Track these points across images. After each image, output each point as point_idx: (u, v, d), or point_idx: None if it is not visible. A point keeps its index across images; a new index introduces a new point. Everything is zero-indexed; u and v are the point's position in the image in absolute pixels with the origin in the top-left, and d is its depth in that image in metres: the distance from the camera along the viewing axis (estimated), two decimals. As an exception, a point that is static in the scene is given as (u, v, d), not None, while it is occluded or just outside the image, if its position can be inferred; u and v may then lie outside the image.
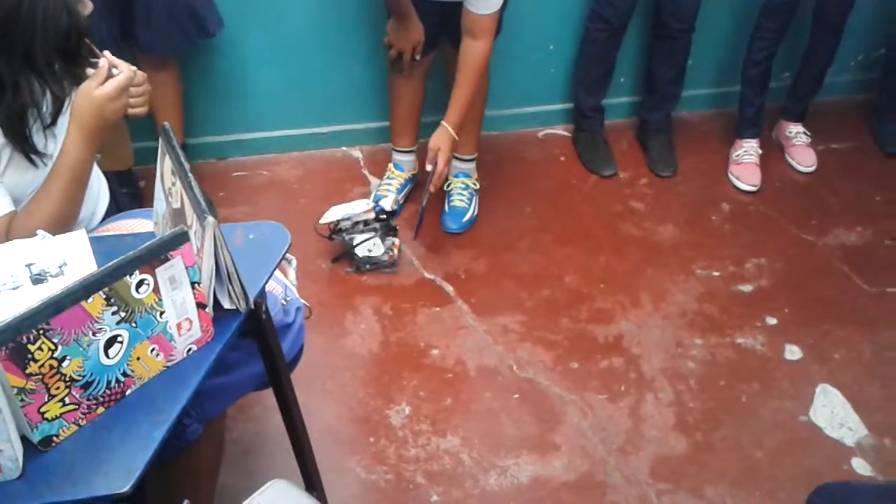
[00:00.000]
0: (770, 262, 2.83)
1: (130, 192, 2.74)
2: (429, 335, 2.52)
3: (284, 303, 1.72)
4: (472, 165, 2.95)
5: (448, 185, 2.92)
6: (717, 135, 3.36)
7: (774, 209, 3.05)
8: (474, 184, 2.94)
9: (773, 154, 3.25)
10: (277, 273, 1.76)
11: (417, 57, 2.66)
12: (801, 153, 3.25)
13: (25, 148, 1.61)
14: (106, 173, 1.95)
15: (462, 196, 2.90)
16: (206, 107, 3.01)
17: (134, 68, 1.61)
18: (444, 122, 2.54)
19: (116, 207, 1.95)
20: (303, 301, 1.81)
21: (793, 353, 2.53)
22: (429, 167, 2.55)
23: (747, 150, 3.17)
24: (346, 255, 2.69)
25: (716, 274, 2.78)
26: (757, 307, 2.66)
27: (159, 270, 1.24)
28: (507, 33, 2.77)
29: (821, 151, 3.27)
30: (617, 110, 3.36)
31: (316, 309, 2.51)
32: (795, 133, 3.28)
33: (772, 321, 2.62)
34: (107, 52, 1.59)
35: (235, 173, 3.07)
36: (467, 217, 2.88)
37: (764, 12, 2.99)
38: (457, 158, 2.91)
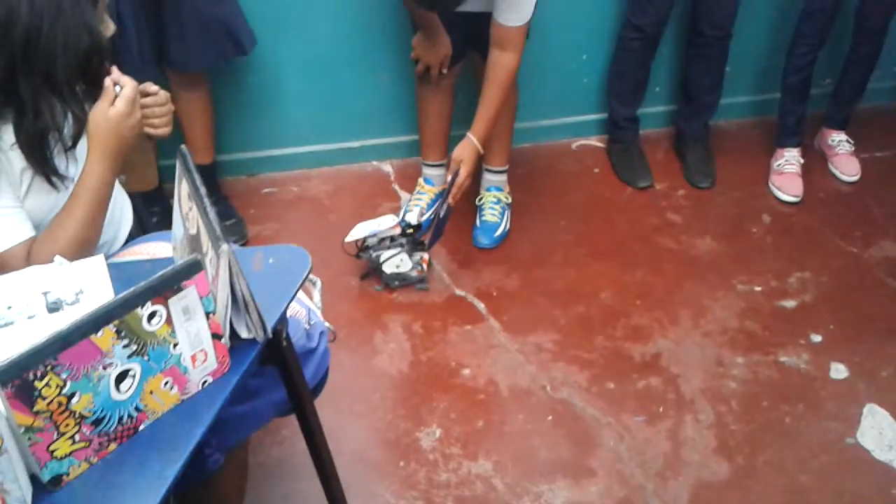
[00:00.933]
0: (814, 275, 2.73)
1: (160, 210, 2.72)
2: (460, 354, 2.46)
3: (308, 327, 1.68)
4: (504, 178, 2.89)
5: (479, 200, 2.87)
6: (757, 144, 3.27)
7: (817, 220, 2.95)
8: (506, 197, 2.88)
9: (815, 163, 3.16)
10: (302, 295, 1.72)
11: (444, 71, 2.62)
12: (845, 162, 3.15)
13: (46, 171, 1.59)
14: (131, 194, 1.92)
15: (494, 210, 2.84)
16: (236, 123, 2.99)
17: (135, 83, 1.59)
18: (469, 134, 2.49)
19: (141, 229, 1.92)
20: (327, 324, 1.76)
21: (838, 371, 2.44)
22: (449, 177, 2.49)
23: (788, 160, 3.09)
24: (374, 272, 2.64)
25: (757, 289, 2.69)
26: (800, 323, 2.57)
27: (172, 301, 1.19)
28: (540, 43, 2.71)
29: (864, 160, 3.18)
30: (652, 120, 3.29)
31: (345, 327, 2.47)
32: (838, 141, 3.19)
33: (816, 338, 2.53)
34: (114, 69, 1.57)
35: (266, 189, 3.05)
36: (499, 232, 2.83)
37: (804, 18, 2.90)
38: (488, 170, 2.86)
